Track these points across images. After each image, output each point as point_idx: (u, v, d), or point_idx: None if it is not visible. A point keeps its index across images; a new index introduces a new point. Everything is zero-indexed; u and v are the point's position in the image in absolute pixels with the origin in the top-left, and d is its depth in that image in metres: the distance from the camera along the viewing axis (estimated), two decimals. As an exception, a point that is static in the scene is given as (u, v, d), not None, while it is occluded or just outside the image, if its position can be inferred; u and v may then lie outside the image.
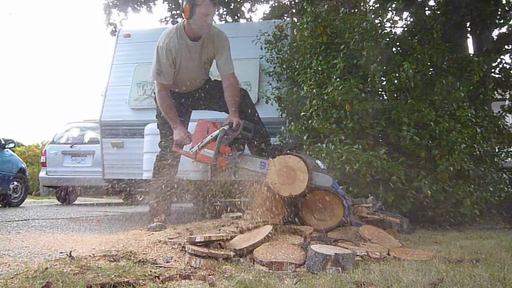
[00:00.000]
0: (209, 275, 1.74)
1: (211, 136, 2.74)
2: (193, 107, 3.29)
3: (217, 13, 9.94)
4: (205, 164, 2.84)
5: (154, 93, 3.16)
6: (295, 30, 4.97)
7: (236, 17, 9.96)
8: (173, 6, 9.68)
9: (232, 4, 9.81)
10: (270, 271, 1.85)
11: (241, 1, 10.06)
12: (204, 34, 2.94)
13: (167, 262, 1.96)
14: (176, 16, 9.73)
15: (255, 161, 2.71)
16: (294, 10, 8.58)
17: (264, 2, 10.14)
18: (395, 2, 4.20)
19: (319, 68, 4.01)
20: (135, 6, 9.19)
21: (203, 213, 4.16)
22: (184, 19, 2.90)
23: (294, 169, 2.53)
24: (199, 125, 2.87)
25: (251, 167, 2.72)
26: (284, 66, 4.51)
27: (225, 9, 9.79)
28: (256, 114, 3.19)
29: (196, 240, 1.99)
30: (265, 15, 9.45)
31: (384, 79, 3.87)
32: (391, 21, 4.36)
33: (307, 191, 2.57)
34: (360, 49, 3.87)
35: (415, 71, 3.64)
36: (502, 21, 5.37)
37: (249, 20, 10.21)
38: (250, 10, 10.20)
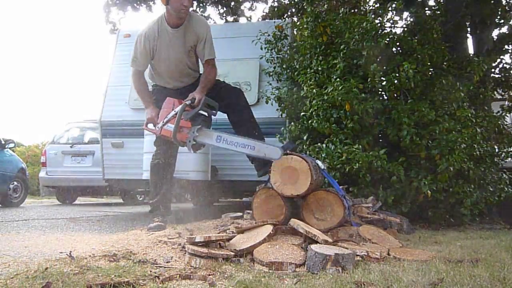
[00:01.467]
0: (209, 275, 1.74)
1: (175, 111, 2.83)
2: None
3: (217, 12, 9.93)
4: (168, 139, 2.90)
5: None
6: (295, 30, 4.98)
7: (236, 16, 9.93)
8: None
9: (232, 3, 9.79)
10: (270, 271, 1.85)
11: (241, 1, 10.05)
12: (183, 20, 2.98)
13: (167, 262, 1.96)
14: None
15: (212, 135, 2.80)
16: (294, 10, 8.57)
17: (264, 1, 10.12)
18: (395, 2, 4.20)
19: (319, 68, 4.01)
20: (135, 5, 9.17)
21: (203, 213, 4.16)
22: (163, 5, 2.95)
23: (297, 169, 2.55)
24: (166, 103, 2.95)
25: (208, 141, 2.82)
26: (284, 66, 4.51)
27: (225, 8, 9.77)
28: (251, 115, 3.20)
29: (196, 240, 1.99)
30: (264, 14, 9.42)
31: (384, 79, 3.87)
32: (391, 21, 4.36)
33: (309, 191, 2.58)
34: (360, 49, 3.87)
35: (415, 71, 3.64)
36: (502, 21, 5.37)
37: (249, 18, 10.20)
38: (250, 8, 10.18)
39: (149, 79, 3.26)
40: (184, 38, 3.03)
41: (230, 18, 9.90)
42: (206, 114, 2.96)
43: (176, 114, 2.80)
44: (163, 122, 2.86)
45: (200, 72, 3.26)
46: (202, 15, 9.48)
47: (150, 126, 3.04)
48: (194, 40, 3.06)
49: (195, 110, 2.83)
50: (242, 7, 10.06)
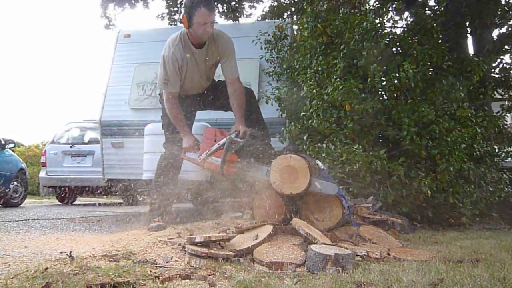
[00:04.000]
0: (209, 275, 1.74)
1: (218, 144, 2.75)
2: (198, 108, 3.29)
3: (216, 11, 9.92)
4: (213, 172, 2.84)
5: (160, 94, 3.17)
6: (295, 30, 4.98)
7: (237, 14, 9.91)
8: (171, 3, 9.65)
9: (233, 2, 9.78)
10: (270, 271, 1.85)
11: (242, 0, 10.05)
12: (207, 40, 2.93)
13: (167, 262, 1.96)
14: (173, 13, 9.70)
15: (262, 169, 2.73)
16: (293, 9, 8.58)
17: (263, 1, 10.13)
18: (395, 2, 4.20)
19: (319, 68, 4.01)
20: (132, 1, 9.17)
21: (203, 213, 4.16)
22: (186, 28, 2.89)
23: (296, 168, 2.55)
24: (206, 133, 2.88)
25: (257, 175, 2.75)
26: (284, 66, 4.51)
27: (225, 6, 9.76)
28: (260, 114, 3.19)
29: (196, 240, 1.99)
30: (264, 13, 9.43)
31: (384, 79, 3.87)
32: (391, 21, 4.36)
33: (308, 190, 2.58)
34: (360, 49, 3.87)
35: (415, 71, 3.64)
36: (502, 21, 5.37)
37: (249, 16, 10.20)
38: (251, 6, 10.16)
39: (159, 86, 3.18)
40: (208, 56, 2.99)
41: (230, 16, 9.88)
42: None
43: (220, 146, 2.73)
44: (205, 154, 2.78)
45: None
46: None
47: (190, 155, 2.93)
48: (216, 57, 3.03)
49: (241, 143, 2.74)
50: (242, 6, 10.05)
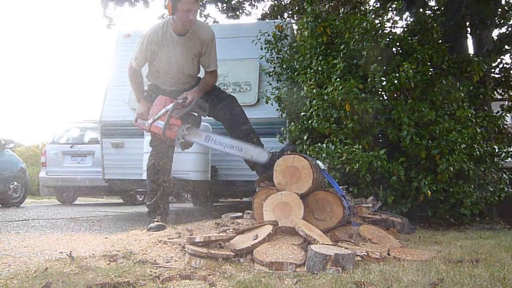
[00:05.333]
0: (209, 275, 1.74)
1: (166, 109, 2.87)
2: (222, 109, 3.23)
3: (217, 8, 9.89)
4: (156, 135, 2.94)
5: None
6: (295, 30, 4.97)
7: (237, 13, 9.86)
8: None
9: (233, 1, 9.75)
10: (270, 271, 1.85)
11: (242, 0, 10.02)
12: (189, 29, 2.98)
13: (167, 262, 1.96)
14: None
15: (201, 134, 2.89)
16: (294, 9, 8.58)
17: (264, 0, 10.10)
18: (395, 2, 4.20)
19: (319, 68, 4.01)
20: (132, 0, 9.15)
21: (203, 213, 4.16)
22: (169, 15, 2.95)
23: (299, 168, 2.57)
24: (157, 100, 2.98)
25: (197, 140, 2.88)
26: (284, 66, 4.51)
27: (225, 5, 9.71)
28: (247, 121, 3.18)
29: (196, 240, 1.99)
30: (264, 12, 9.41)
31: (384, 79, 3.87)
32: (391, 21, 4.36)
33: (311, 190, 2.59)
34: (360, 49, 3.87)
35: (415, 71, 3.64)
36: (502, 21, 5.37)
37: (249, 14, 10.18)
38: (251, 5, 10.12)
39: (146, 77, 3.26)
40: (189, 46, 3.03)
41: (230, 15, 9.83)
42: (196, 114, 3.00)
43: (167, 111, 2.84)
44: (153, 118, 2.89)
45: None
46: (201, 14, 9.47)
47: (140, 122, 3.07)
48: (198, 49, 3.07)
49: (186, 109, 2.87)
50: (243, 6, 10.01)
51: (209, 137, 2.86)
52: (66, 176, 7.41)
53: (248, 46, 4.61)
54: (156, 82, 3.23)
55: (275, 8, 8.91)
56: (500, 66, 5.10)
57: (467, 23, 5.24)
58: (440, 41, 4.17)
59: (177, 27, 2.96)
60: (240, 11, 9.82)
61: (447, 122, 3.65)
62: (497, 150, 4.16)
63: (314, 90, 3.84)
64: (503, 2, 5.35)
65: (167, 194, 3.21)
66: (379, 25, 4.03)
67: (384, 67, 3.90)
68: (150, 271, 1.77)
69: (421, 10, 4.75)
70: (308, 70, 4.08)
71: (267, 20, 8.75)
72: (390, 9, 4.49)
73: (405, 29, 4.56)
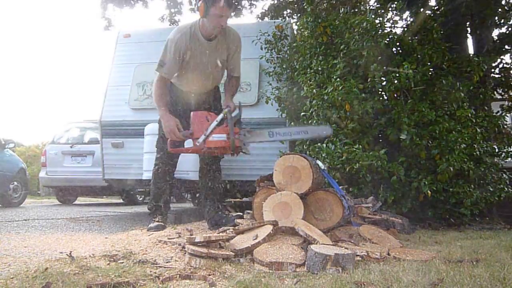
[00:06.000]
0: (209, 275, 1.74)
1: (216, 121, 2.73)
2: (195, 109, 3.19)
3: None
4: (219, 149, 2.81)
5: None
6: (295, 30, 4.97)
7: (239, 8, 9.82)
8: (171, 4, 9.61)
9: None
10: (270, 271, 1.85)
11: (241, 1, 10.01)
12: (218, 34, 2.89)
13: (167, 262, 1.96)
14: (174, 14, 9.67)
15: (263, 132, 2.81)
16: (293, 9, 8.55)
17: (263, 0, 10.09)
18: (395, 2, 4.20)
19: (319, 68, 4.01)
20: (131, 1, 9.12)
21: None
22: (200, 17, 2.85)
23: (298, 168, 2.58)
24: (196, 117, 2.81)
25: (262, 139, 2.81)
26: (284, 66, 4.51)
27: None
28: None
29: (196, 240, 1.99)
30: (264, 11, 9.38)
31: (384, 79, 3.87)
32: (391, 21, 4.36)
33: (310, 190, 2.59)
34: (360, 49, 3.86)
35: (415, 71, 3.64)
36: (502, 21, 5.36)
37: (250, 9, 10.16)
38: (251, 5, 10.10)
39: (155, 68, 3.08)
40: (217, 51, 2.95)
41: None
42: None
43: (218, 123, 2.72)
44: (205, 135, 2.71)
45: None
46: None
47: (175, 144, 2.85)
48: (226, 54, 3.00)
49: (236, 117, 2.76)
50: (242, 3, 9.99)
51: (272, 132, 2.78)
52: (66, 176, 7.41)
53: (248, 46, 4.60)
54: (174, 82, 3.07)
55: (275, 9, 8.89)
56: (500, 66, 5.09)
57: (467, 23, 5.24)
58: (440, 41, 4.16)
59: (206, 31, 2.85)
60: (239, 7, 9.79)
61: (447, 122, 3.65)
62: (497, 150, 4.16)
63: (314, 90, 3.84)
64: (503, 2, 5.34)
65: (170, 195, 3.22)
66: (379, 25, 4.03)
67: (384, 67, 3.90)
68: (150, 271, 1.77)
69: (421, 10, 4.74)
70: (308, 70, 4.08)
71: (267, 20, 8.75)
72: (390, 9, 4.48)
73: (405, 29, 4.56)
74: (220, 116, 2.73)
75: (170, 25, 9.41)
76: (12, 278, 1.62)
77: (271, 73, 4.56)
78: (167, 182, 3.13)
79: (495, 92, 5.06)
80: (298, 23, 4.90)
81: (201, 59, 2.92)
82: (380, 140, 4.07)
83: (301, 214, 2.46)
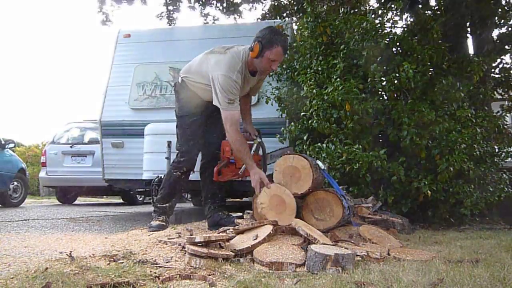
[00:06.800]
0: (209, 275, 1.74)
1: (253, 151, 2.91)
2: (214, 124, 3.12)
3: (217, 9, 9.86)
4: None
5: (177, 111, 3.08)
6: (295, 30, 4.96)
7: (239, 9, 9.79)
8: (169, 1, 9.58)
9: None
10: (270, 271, 1.86)
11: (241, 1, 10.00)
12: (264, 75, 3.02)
13: (167, 262, 1.96)
14: (172, 12, 9.63)
15: (277, 154, 3.03)
16: (293, 9, 8.55)
17: (263, 2, 10.06)
18: (395, 2, 4.19)
19: (319, 68, 4.01)
20: None
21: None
22: (249, 52, 2.80)
23: (299, 168, 2.59)
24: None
25: (276, 159, 2.91)
26: (284, 66, 4.51)
27: (225, 3, 9.67)
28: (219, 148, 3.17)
29: (196, 240, 1.99)
30: (264, 12, 9.37)
31: (384, 79, 3.87)
32: (391, 21, 4.36)
33: (310, 190, 2.60)
34: (360, 49, 3.86)
35: (415, 71, 3.64)
36: (502, 21, 5.36)
37: (250, 10, 10.15)
38: (251, 8, 10.08)
39: (185, 73, 3.04)
40: (252, 82, 3.02)
41: (232, 11, 9.76)
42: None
43: (256, 152, 2.93)
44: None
45: None
46: (201, 13, 9.46)
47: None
48: (255, 82, 3.08)
49: (258, 141, 2.97)
50: (243, 4, 9.96)
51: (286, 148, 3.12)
52: (66, 176, 7.41)
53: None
54: (196, 91, 3.00)
55: (275, 9, 8.87)
56: (500, 66, 5.10)
57: (467, 23, 5.24)
58: (440, 41, 4.16)
59: (252, 67, 2.85)
60: (239, 6, 9.76)
61: (447, 122, 3.65)
62: (497, 150, 4.16)
63: (314, 90, 3.84)
64: (503, 2, 5.34)
65: (179, 196, 3.25)
66: (379, 25, 4.03)
67: (384, 67, 3.89)
68: (150, 271, 1.77)
69: (421, 10, 4.74)
70: (308, 70, 4.08)
71: (267, 20, 8.75)
72: (390, 9, 4.47)
73: (405, 29, 4.56)
74: (254, 146, 2.91)
75: (168, 23, 9.38)
76: (12, 278, 1.62)
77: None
78: (182, 186, 3.18)
79: (495, 92, 5.07)
80: (298, 23, 4.90)
81: (243, 90, 2.97)
82: (380, 140, 4.07)
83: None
